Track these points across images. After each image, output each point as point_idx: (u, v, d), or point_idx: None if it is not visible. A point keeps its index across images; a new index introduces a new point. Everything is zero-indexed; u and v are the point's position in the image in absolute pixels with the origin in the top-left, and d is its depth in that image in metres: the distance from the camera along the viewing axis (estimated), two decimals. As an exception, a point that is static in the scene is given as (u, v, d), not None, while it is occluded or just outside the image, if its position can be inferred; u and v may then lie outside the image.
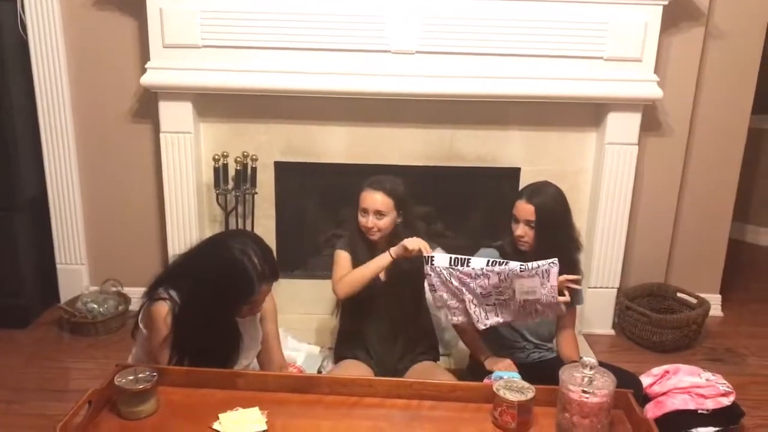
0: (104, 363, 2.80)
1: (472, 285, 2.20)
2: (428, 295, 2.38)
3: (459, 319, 2.28)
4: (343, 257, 2.40)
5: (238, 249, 1.83)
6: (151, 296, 1.88)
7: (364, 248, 2.38)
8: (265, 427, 1.61)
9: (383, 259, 2.27)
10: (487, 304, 2.22)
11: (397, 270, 2.34)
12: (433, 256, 2.19)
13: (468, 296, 2.22)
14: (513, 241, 2.35)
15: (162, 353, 1.85)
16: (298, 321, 3.14)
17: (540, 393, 1.68)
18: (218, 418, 1.63)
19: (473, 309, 2.22)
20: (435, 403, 1.75)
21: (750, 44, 3.11)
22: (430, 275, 2.23)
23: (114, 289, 3.27)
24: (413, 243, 2.21)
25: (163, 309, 1.83)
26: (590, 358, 1.64)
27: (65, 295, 3.29)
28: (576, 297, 2.35)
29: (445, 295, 2.26)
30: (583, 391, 1.58)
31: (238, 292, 1.82)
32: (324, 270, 3.29)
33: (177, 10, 2.80)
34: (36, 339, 3.06)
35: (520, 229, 2.29)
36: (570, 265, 2.33)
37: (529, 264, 2.11)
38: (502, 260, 2.17)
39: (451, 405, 1.74)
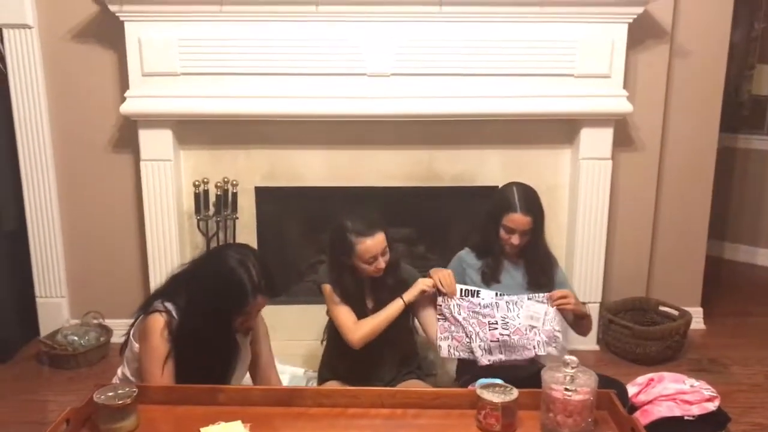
0: (85, 395, 2.73)
1: (481, 314, 2.28)
2: (427, 322, 2.38)
3: (459, 354, 2.32)
4: (337, 295, 2.33)
5: (237, 259, 1.83)
6: (146, 309, 1.86)
7: (351, 282, 2.31)
8: (247, 439, 1.60)
9: (396, 307, 2.27)
10: (492, 341, 2.27)
11: (383, 293, 2.33)
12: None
13: (476, 329, 2.27)
14: (498, 244, 2.36)
15: (161, 369, 1.81)
16: (282, 347, 3.07)
17: (523, 396, 1.69)
18: (200, 432, 1.61)
19: (478, 343, 2.27)
20: (419, 411, 1.75)
21: (714, 62, 3.21)
22: (440, 306, 2.31)
23: (95, 321, 3.23)
24: (427, 283, 2.28)
25: (159, 321, 1.82)
26: (572, 357, 1.66)
27: (45, 328, 3.24)
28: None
29: (452, 327, 2.32)
30: (566, 389, 1.59)
31: (232, 301, 1.81)
32: (307, 296, 3.29)
33: (155, 39, 2.84)
34: (14, 375, 3.00)
35: (516, 239, 2.31)
36: (547, 255, 2.42)
37: (538, 294, 2.28)
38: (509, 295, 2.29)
39: (436, 412, 1.74)
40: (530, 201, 2.34)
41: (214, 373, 1.85)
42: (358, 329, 2.27)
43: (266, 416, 1.70)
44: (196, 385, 1.82)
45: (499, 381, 1.75)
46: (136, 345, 1.89)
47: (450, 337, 2.32)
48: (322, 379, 2.49)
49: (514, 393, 1.66)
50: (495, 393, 1.66)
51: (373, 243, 2.21)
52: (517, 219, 2.30)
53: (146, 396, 1.72)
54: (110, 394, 1.64)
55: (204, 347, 1.82)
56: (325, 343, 2.50)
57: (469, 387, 2.00)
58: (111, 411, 1.61)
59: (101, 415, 1.62)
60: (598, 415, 1.66)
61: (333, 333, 2.42)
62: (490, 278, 2.39)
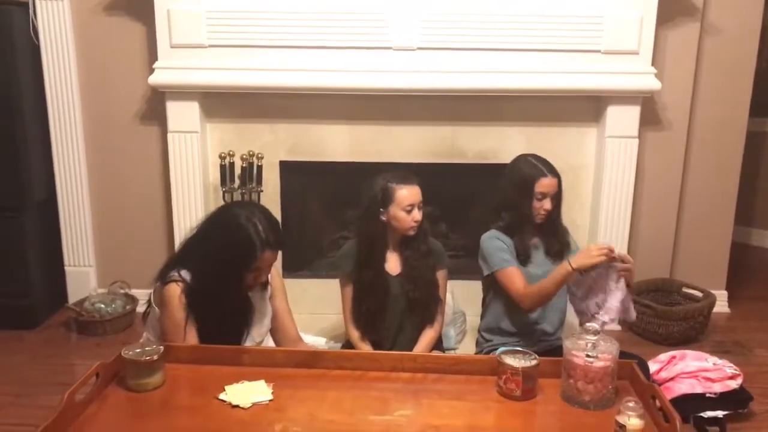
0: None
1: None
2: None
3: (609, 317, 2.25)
4: (362, 249, 2.34)
5: (244, 216, 1.86)
6: (162, 278, 1.90)
7: (380, 253, 2.32)
8: (270, 397, 1.62)
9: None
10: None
11: (415, 259, 2.33)
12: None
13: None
14: (524, 217, 2.33)
15: (182, 335, 1.85)
16: (304, 321, 3.11)
17: (545, 364, 1.69)
18: (224, 390, 1.64)
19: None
20: (439, 375, 1.76)
21: (745, 41, 3.15)
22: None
23: (122, 290, 3.30)
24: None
25: (175, 290, 1.85)
26: (593, 324, 1.66)
27: (73, 297, 3.32)
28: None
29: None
30: (587, 356, 1.59)
31: (241, 257, 1.84)
32: (329, 270, 3.32)
33: (184, 11, 2.87)
34: (44, 339, 3.08)
35: (548, 203, 2.30)
36: (564, 227, 2.42)
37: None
38: None
39: (456, 378, 1.75)
40: (549, 164, 2.35)
41: (232, 330, 1.88)
42: (529, 294, 2.23)
43: (289, 377, 1.73)
44: (220, 346, 1.85)
45: (519, 348, 1.75)
46: (158, 310, 1.93)
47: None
48: (345, 347, 2.50)
49: (535, 359, 1.66)
50: (516, 358, 1.67)
51: (412, 191, 2.26)
52: (548, 183, 2.29)
53: (172, 355, 1.76)
54: (138, 350, 1.68)
55: (218, 305, 1.85)
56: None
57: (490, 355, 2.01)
58: (138, 366, 1.65)
59: (129, 371, 1.66)
60: (619, 384, 1.66)
61: (359, 302, 2.42)
62: (524, 256, 2.36)
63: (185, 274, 1.87)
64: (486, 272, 2.37)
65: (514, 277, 2.29)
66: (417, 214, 2.27)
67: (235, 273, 1.85)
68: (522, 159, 2.39)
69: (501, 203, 2.40)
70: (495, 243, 2.34)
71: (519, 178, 2.34)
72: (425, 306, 2.37)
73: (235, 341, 1.90)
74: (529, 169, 2.32)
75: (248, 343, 1.96)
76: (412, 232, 2.30)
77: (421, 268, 2.34)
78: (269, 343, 2.10)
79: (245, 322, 1.94)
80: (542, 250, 2.39)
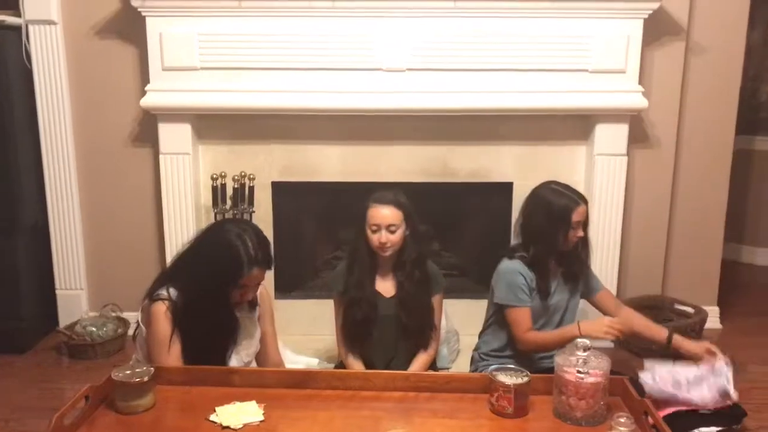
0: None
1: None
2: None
3: None
4: (347, 261, 2.38)
5: (235, 232, 1.87)
6: (150, 296, 1.90)
7: (366, 268, 2.31)
8: (261, 418, 1.61)
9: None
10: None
11: (409, 286, 2.31)
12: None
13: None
14: (558, 246, 2.29)
15: (165, 353, 1.85)
16: (297, 342, 3.15)
17: (537, 381, 1.69)
18: (215, 411, 1.63)
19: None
20: (432, 394, 1.75)
21: (730, 60, 3.20)
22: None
23: (113, 313, 3.28)
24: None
25: (161, 308, 1.85)
26: (585, 340, 1.66)
27: (64, 320, 3.30)
28: (592, 284, 2.46)
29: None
30: (578, 372, 1.59)
31: (229, 272, 1.84)
32: (322, 290, 3.32)
33: (176, 34, 2.91)
34: (34, 363, 3.06)
35: (581, 231, 2.30)
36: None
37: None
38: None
39: (448, 396, 1.74)
40: (575, 190, 2.33)
41: (217, 348, 1.88)
42: (533, 340, 2.29)
43: (280, 397, 1.72)
44: (211, 367, 1.84)
45: (512, 366, 1.75)
46: (144, 329, 1.93)
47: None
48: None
49: (527, 376, 1.66)
50: (508, 376, 1.66)
51: (379, 212, 2.24)
52: (583, 210, 2.28)
53: (162, 377, 1.74)
54: (128, 372, 1.67)
55: (204, 321, 1.85)
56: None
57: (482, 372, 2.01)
58: (128, 388, 1.64)
59: (119, 393, 1.65)
60: (611, 400, 1.66)
61: (351, 326, 2.40)
62: (546, 292, 2.33)
63: (173, 292, 1.87)
64: (497, 301, 2.36)
65: (522, 319, 2.30)
66: (383, 236, 2.23)
67: (222, 289, 1.85)
68: (547, 189, 2.34)
69: (531, 235, 2.33)
70: (517, 279, 2.30)
71: (554, 209, 2.28)
72: (419, 332, 2.35)
73: (220, 358, 1.90)
74: (562, 199, 2.28)
75: (236, 363, 1.95)
76: (381, 253, 2.27)
77: (415, 294, 2.31)
78: (254, 365, 2.09)
79: (231, 339, 1.93)
80: (561, 277, 2.38)
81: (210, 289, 1.84)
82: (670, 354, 2.34)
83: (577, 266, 2.39)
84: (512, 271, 2.32)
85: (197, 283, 1.85)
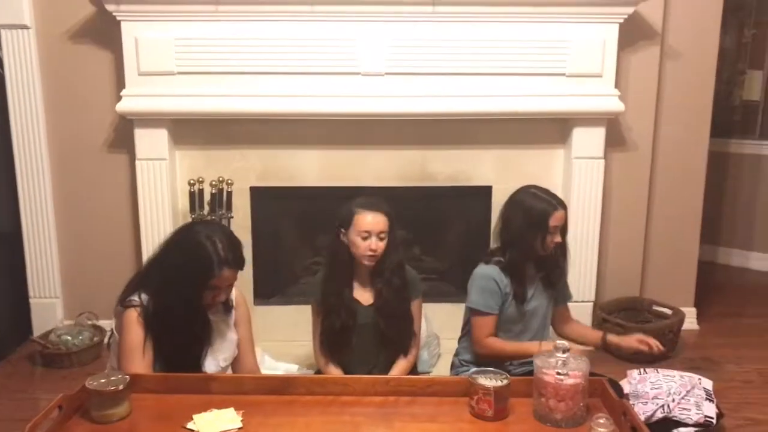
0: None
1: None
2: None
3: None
4: (325, 271, 2.35)
5: (204, 234, 1.86)
6: (122, 303, 1.88)
7: (344, 275, 2.28)
8: (240, 425, 1.59)
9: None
10: None
11: (388, 293, 2.29)
12: None
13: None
14: (535, 251, 2.28)
15: (136, 360, 1.82)
16: (277, 348, 3.12)
17: (516, 384, 1.69)
18: (192, 419, 1.61)
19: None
20: (412, 398, 1.74)
21: (704, 64, 3.25)
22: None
23: (89, 321, 3.23)
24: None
25: (132, 314, 1.84)
26: (563, 342, 1.66)
27: (39, 329, 3.24)
28: (566, 293, 2.46)
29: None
30: (558, 373, 1.59)
31: (199, 274, 1.82)
32: (302, 296, 3.29)
33: (152, 38, 2.87)
34: (7, 373, 2.99)
35: (558, 236, 2.28)
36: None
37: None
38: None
39: (428, 399, 1.73)
40: (555, 195, 2.32)
41: (192, 352, 1.86)
42: (491, 346, 2.30)
43: (259, 404, 1.70)
44: (188, 374, 1.82)
45: (491, 369, 1.75)
46: (117, 335, 1.91)
47: None
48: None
49: (507, 379, 1.66)
50: (488, 378, 1.66)
51: (372, 218, 2.20)
52: (561, 215, 2.26)
53: (138, 385, 1.72)
54: (102, 380, 1.64)
55: (176, 325, 1.83)
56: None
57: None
58: (103, 397, 1.61)
59: (93, 402, 1.62)
60: (590, 402, 1.66)
61: (330, 332, 2.39)
62: (522, 297, 2.32)
63: (144, 297, 1.85)
64: (467, 304, 2.36)
65: (485, 325, 2.31)
66: (373, 243, 2.20)
67: (193, 291, 1.83)
68: (526, 193, 2.33)
69: (508, 240, 2.32)
70: (489, 285, 2.29)
71: (532, 213, 2.26)
72: (399, 340, 2.34)
73: (194, 362, 1.87)
74: (540, 203, 2.26)
75: (212, 367, 1.93)
76: (366, 262, 2.23)
77: (394, 301, 2.29)
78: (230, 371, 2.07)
79: (205, 342, 1.91)
80: (540, 283, 2.38)
81: (182, 292, 1.82)
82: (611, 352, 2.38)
83: (556, 273, 2.38)
84: (486, 276, 2.31)
85: (168, 287, 1.83)
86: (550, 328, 2.49)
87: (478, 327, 2.32)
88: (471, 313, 2.35)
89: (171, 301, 1.83)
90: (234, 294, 2.03)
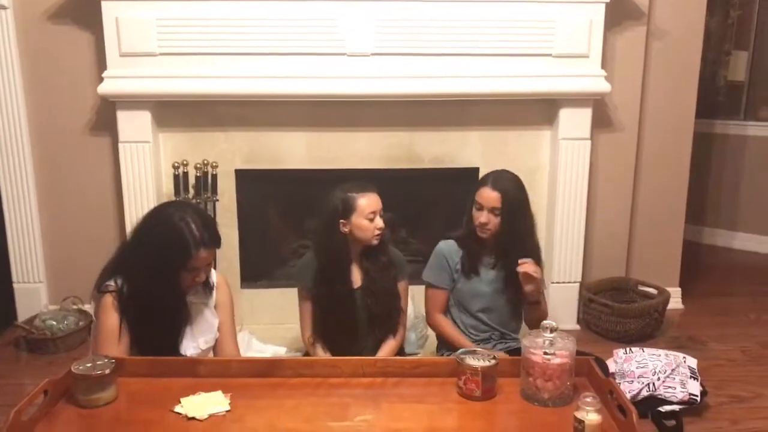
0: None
1: None
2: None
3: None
4: (321, 260, 2.36)
5: (177, 215, 1.83)
6: (99, 289, 1.86)
7: (344, 263, 2.30)
8: (228, 408, 1.59)
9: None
10: None
11: (375, 271, 2.31)
12: None
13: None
14: (473, 229, 2.36)
15: (112, 345, 1.81)
16: (264, 331, 3.12)
17: (504, 364, 1.70)
18: (180, 402, 1.60)
19: None
20: (400, 379, 1.74)
21: (690, 44, 3.25)
22: None
23: (74, 306, 3.20)
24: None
25: (108, 299, 1.83)
26: (551, 322, 1.67)
27: (23, 314, 3.20)
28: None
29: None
30: (545, 353, 1.60)
31: (177, 257, 1.80)
32: (289, 280, 3.28)
33: (133, 19, 2.82)
34: (-8, 359, 2.97)
35: (484, 216, 2.29)
36: (533, 250, 2.37)
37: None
38: None
39: (416, 381, 1.74)
40: (502, 180, 2.32)
41: (167, 336, 1.86)
42: (440, 324, 2.43)
43: (246, 386, 1.69)
44: (175, 358, 1.82)
45: (479, 349, 1.76)
46: (96, 321, 1.90)
47: None
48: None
49: (494, 359, 1.67)
50: (475, 359, 1.67)
51: (372, 199, 2.26)
52: (485, 194, 2.29)
53: (125, 368, 1.70)
54: (88, 365, 1.62)
55: (152, 308, 1.82)
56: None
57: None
58: (89, 382, 1.59)
59: (79, 387, 1.60)
60: (577, 381, 1.67)
61: (318, 315, 2.39)
62: (470, 271, 2.38)
63: (120, 282, 1.84)
64: (422, 277, 2.46)
65: (435, 298, 2.43)
66: (379, 222, 2.25)
67: (171, 274, 1.82)
68: (497, 171, 2.41)
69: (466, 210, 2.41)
70: (440, 261, 2.41)
71: (473, 188, 2.36)
72: (387, 319, 2.35)
73: (172, 345, 1.87)
74: (480, 180, 2.36)
75: (192, 350, 1.92)
76: (375, 241, 2.27)
77: (382, 280, 2.32)
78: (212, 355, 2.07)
79: (183, 324, 1.90)
80: (495, 268, 2.39)
81: (160, 276, 1.80)
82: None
83: (509, 264, 2.33)
84: (438, 253, 2.43)
85: (145, 272, 1.81)
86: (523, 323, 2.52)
87: (428, 299, 2.46)
88: (425, 285, 2.46)
89: (148, 286, 1.81)
90: (215, 276, 2.02)
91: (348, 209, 2.24)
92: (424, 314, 2.54)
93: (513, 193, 2.31)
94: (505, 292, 2.40)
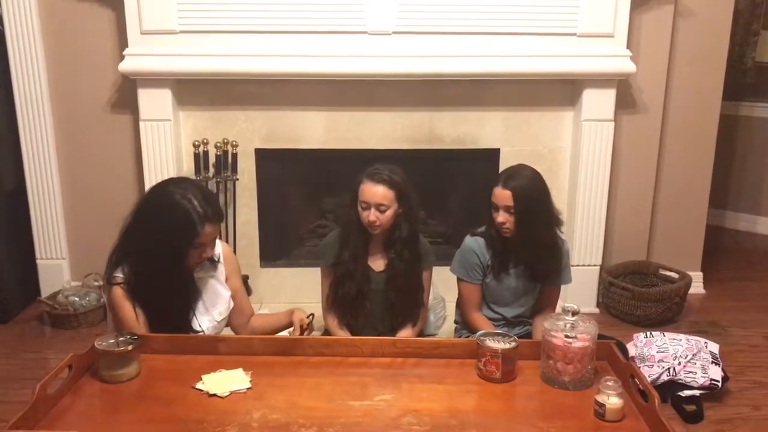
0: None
1: None
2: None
3: None
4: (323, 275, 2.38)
5: (179, 193, 1.81)
6: (108, 280, 1.85)
7: (359, 241, 2.29)
8: (249, 386, 1.60)
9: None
10: None
11: (399, 265, 2.29)
12: None
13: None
14: (496, 228, 2.29)
15: (139, 332, 1.81)
16: (282, 309, 3.11)
17: (524, 346, 1.70)
18: (201, 379, 1.62)
19: None
20: (419, 360, 1.75)
21: (718, 25, 3.18)
22: None
23: (96, 283, 3.23)
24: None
25: (118, 291, 1.82)
26: (572, 305, 1.66)
27: (46, 290, 3.25)
28: (564, 276, 2.39)
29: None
30: (566, 336, 1.59)
31: (183, 235, 1.79)
32: (307, 259, 3.30)
33: (154, -4, 2.81)
34: (16, 334, 3.02)
35: (501, 216, 2.23)
36: (552, 245, 2.32)
37: None
38: None
39: (436, 361, 1.74)
40: (513, 176, 2.25)
41: (178, 314, 1.86)
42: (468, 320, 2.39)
43: (267, 364, 1.71)
44: (197, 335, 1.84)
45: (499, 332, 1.75)
46: (110, 313, 1.91)
47: None
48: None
49: (514, 341, 1.66)
50: (496, 341, 1.66)
51: (370, 189, 2.20)
52: (498, 193, 2.23)
53: (148, 345, 1.72)
54: (111, 341, 1.65)
55: (163, 290, 1.82)
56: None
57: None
58: (112, 358, 1.62)
59: (103, 362, 1.63)
60: (598, 365, 1.66)
61: (340, 299, 2.38)
62: (498, 270, 2.33)
63: (128, 270, 1.82)
64: (451, 272, 2.41)
65: (469, 292, 2.37)
66: (372, 215, 2.19)
67: (178, 252, 1.81)
68: (512, 167, 2.36)
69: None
70: (470, 257, 2.33)
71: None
72: (407, 310, 2.35)
73: (184, 323, 1.87)
74: (498, 177, 2.30)
75: (206, 323, 1.93)
76: (371, 230, 2.24)
77: (405, 274, 2.30)
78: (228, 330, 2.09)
79: (193, 300, 1.91)
80: (519, 266, 2.35)
81: (168, 256, 1.79)
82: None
83: (533, 262, 2.32)
84: (467, 249, 2.36)
85: (152, 254, 1.79)
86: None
87: (463, 297, 2.40)
88: (457, 280, 2.40)
89: (157, 267, 1.80)
90: (221, 247, 2.01)
91: (355, 190, 2.24)
92: (444, 298, 2.52)
93: (525, 190, 2.23)
94: (530, 290, 2.38)
